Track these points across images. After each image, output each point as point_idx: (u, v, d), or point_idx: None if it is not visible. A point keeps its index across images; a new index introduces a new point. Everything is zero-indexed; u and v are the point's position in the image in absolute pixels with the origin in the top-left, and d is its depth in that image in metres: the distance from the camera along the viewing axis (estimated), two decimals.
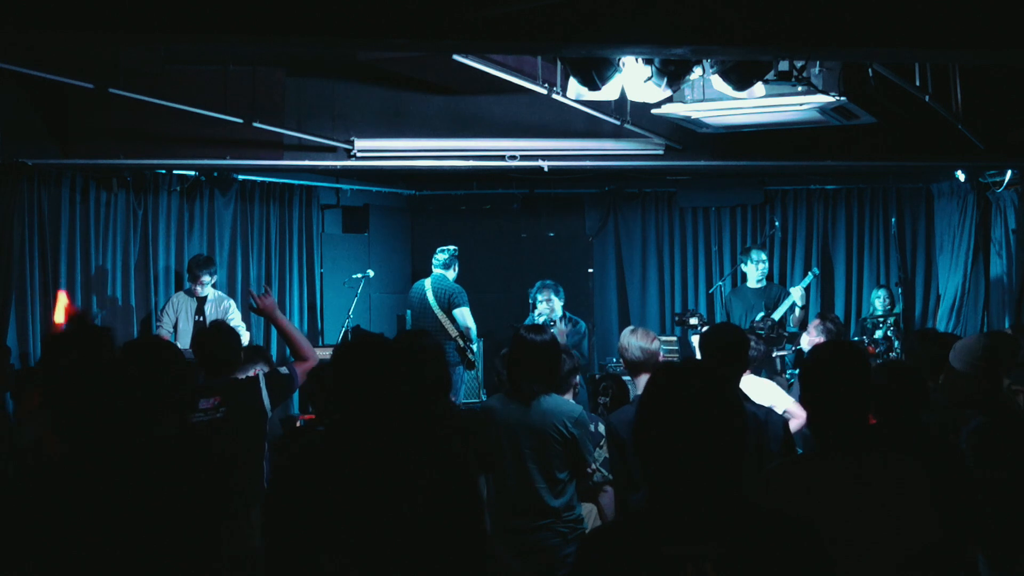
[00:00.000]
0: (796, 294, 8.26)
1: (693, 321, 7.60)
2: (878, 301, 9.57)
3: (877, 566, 2.58)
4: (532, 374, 4.24)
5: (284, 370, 4.76)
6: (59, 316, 6.69)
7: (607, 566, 2.00)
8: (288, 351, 5.23)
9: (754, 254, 8.70)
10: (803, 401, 2.86)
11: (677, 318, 8.02)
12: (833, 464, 2.69)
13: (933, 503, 2.65)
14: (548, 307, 8.26)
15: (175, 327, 8.17)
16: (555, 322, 8.01)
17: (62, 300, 6.90)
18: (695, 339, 6.81)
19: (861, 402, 2.75)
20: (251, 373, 5.13)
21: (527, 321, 8.49)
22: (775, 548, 1.96)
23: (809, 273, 9.10)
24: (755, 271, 8.58)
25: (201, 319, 8.11)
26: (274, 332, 8.33)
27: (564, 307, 8.39)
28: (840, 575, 2.06)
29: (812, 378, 2.82)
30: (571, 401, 4.48)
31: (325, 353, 8.42)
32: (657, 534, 1.98)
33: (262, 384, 4.60)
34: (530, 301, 8.45)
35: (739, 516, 2.00)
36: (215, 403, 4.47)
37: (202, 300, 8.21)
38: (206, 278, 8.13)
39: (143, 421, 2.55)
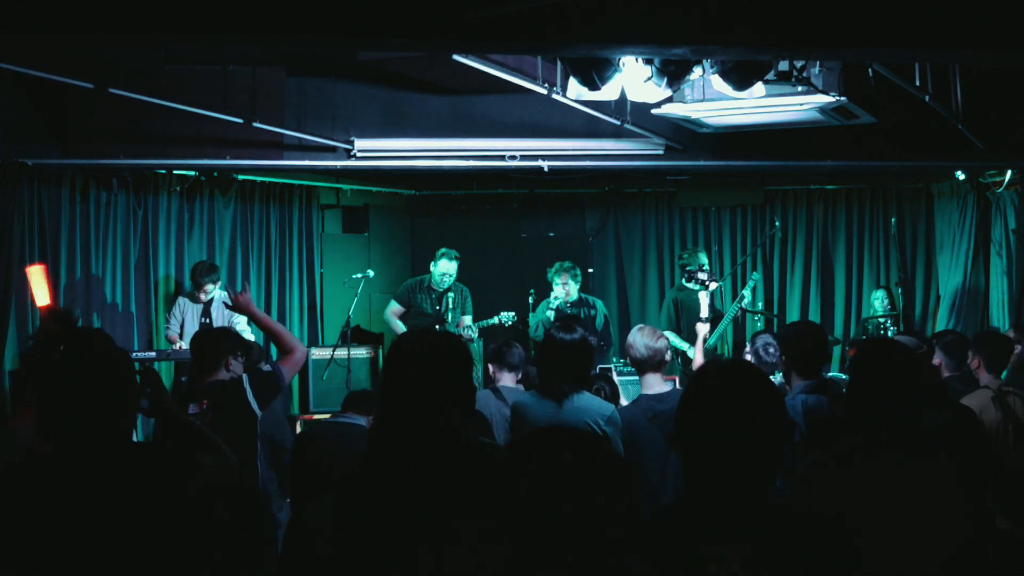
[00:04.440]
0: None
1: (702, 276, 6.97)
2: (877, 302, 9.58)
3: (922, 565, 2.56)
4: (564, 372, 4.24)
5: (266, 367, 4.59)
6: (40, 297, 6.30)
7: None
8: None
9: (702, 256, 8.60)
10: (849, 397, 2.84)
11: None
12: (878, 463, 2.66)
13: (968, 502, 2.64)
14: (564, 291, 8.25)
15: (181, 329, 8.17)
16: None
17: (38, 277, 6.42)
18: (702, 296, 6.54)
19: (908, 401, 2.73)
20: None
21: (533, 308, 8.50)
22: (800, 550, 1.97)
23: (750, 279, 8.70)
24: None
25: (207, 321, 8.11)
26: None
27: (579, 290, 8.40)
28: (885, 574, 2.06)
29: (862, 375, 2.80)
30: (602, 400, 4.45)
31: (325, 353, 8.56)
32: (693, 533, 1.98)
33: (246, 385, 4.46)
34: (548, 279, 8.40)
35: (767, 517, 2.01)
36: (204, 407, 4.43)
37: (208, 302, 8.21)
38: (210, 286, 8.12)
39: (119, 420, 2.50)
